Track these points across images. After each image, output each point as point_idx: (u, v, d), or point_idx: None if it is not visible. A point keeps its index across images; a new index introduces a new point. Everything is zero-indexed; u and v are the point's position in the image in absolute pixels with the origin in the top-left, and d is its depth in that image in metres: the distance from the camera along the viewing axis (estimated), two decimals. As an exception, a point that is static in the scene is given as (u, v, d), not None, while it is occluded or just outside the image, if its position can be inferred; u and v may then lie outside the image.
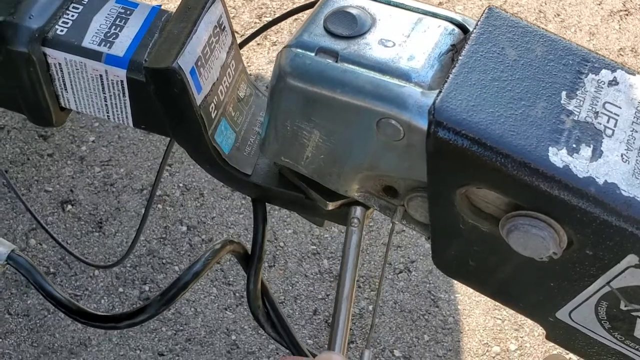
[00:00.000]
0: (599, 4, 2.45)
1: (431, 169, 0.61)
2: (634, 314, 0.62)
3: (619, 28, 2.40)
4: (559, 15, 2.41)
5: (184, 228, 1.79)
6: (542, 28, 0.65)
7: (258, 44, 2.15)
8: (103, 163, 1.87)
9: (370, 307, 1.72)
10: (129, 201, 1.81)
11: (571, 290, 0.63)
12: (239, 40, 0.81)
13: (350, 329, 1.68)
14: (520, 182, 0.57)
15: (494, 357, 1.69)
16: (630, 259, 0.57)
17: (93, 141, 1.90)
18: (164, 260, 1.74)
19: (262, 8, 2.25)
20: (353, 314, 1.69)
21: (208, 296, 1.70)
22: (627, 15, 2.44)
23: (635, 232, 0.55)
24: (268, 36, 2.17)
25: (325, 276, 1.75)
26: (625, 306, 0.61)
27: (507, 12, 0.66)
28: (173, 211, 1.81)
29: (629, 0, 2.47)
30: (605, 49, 2.34)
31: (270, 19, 2.30)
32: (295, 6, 0.89)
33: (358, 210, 0.74)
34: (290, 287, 1.73)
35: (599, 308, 0.63)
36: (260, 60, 2.11)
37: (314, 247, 1.80)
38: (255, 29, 0.92)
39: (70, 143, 1.90)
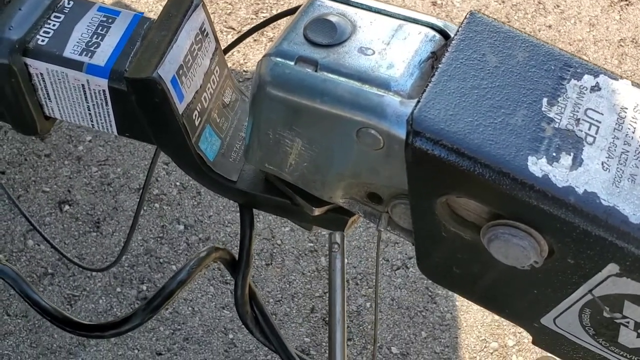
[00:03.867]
0: (599, -5, 2.43)
1: (411, 178, 0.61)
2: (618, 321, 0.61)
3: (620, 18, 2.38)
4: (558, 6, 2.39)
5: (181, 227, 1.79)
6: (525, 32, 0.65)
7: (255, 40, 2.14)
8: (100, 162, 1.87)
9: (368, 305, 1.71)
10: (126, 201, 1.81)
11: (554, 297, 0.63)
12: (235, 37, 0.80)
13: (348, 327, 1.68)
14: (499, 192, 0.56)
15: (492, 353, 1.69)
16: (611, 267, 0.56)
17: (90, 141, 1.90)
18: (161, 260, 1.74)
19: (258, 4, 2.24)
20: (350, 312, 1.69)
21: (205, 295, 1.70)
22: (627, 5, 2.43)
23: (615, 241, 0.54)
24: (265, 32, 2.17)
25: (323, 274, 1.75)
26: (607, 314, 0.61)
27: (489, 17, 0.65)
28: (170, 210, 1.81)
29: (629, -10, 2.46)
30: (606, 40, 2.32)
31: (267, 14, 2.30)
32: (288, 7, 0.89)
33: (337, 236, 0.74)
34: (288, 285, 1.73)
35: (582, 315, 0.63)
36: (257, 57, 2.10)
37: (311, 244, 1.79)
38: (252, 25, 0.91)
39: (67, 143, 1.90)
